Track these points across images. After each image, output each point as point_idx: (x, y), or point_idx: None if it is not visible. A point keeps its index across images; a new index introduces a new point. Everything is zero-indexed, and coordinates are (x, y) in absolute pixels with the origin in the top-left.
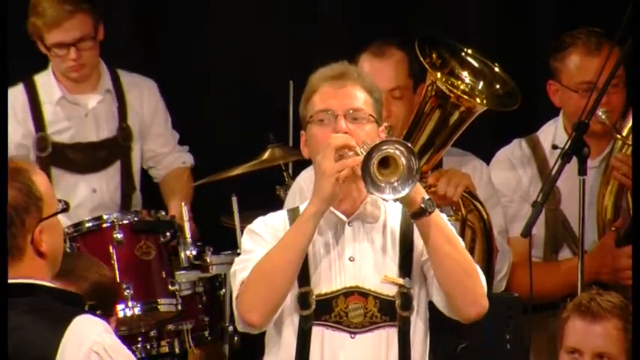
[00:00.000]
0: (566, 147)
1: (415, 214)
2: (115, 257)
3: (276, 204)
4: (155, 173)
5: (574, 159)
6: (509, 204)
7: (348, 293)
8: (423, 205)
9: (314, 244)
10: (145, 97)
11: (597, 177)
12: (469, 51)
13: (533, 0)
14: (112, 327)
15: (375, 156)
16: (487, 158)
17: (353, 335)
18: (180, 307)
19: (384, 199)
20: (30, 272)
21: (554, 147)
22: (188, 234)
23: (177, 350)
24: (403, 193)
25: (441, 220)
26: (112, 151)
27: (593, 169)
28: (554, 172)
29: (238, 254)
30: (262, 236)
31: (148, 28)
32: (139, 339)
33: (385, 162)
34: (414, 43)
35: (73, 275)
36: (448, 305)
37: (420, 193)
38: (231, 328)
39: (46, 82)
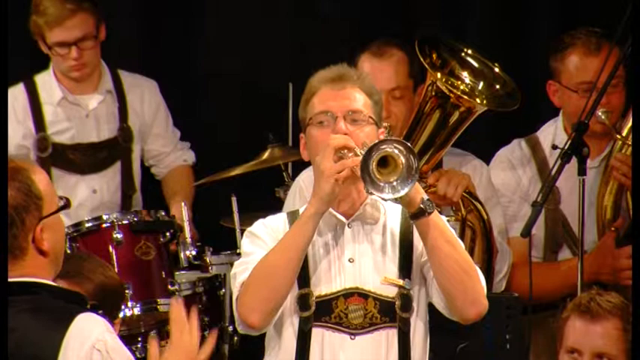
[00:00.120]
0: (566, 147)
1: (414, 215)
2: (114, 257)
3: (276, 204)
4: (157, 171)
5: (574, 159)
6: (508, 204)
7: (348, 294)
8: (422, 206)
9: (314, 245)
10: (145, 98)
11: (597, 177)
12: (469, 51)
13: (533, 0)
14: (117, 329)
15: (374, 155)
16: (487, 158)
17: (353, 336)
18: None
19: (383, 199)
20: (32, 271)
21: (554, 147)
22: (188, 234)
23: None
24: (402, 192)
25: (441, 220)
26: (112, 151)
27: (592, 169)
28: (553, 172)
29: (238, 254)
30: (262, 238)
31: (148, 28)
32: (139, 339)
33: (384, 162)
34: (414, 43)
35: (79, 276)
36: (448, 306)
37: (420, 194)
38: (231, 328)
39: (46, 82)
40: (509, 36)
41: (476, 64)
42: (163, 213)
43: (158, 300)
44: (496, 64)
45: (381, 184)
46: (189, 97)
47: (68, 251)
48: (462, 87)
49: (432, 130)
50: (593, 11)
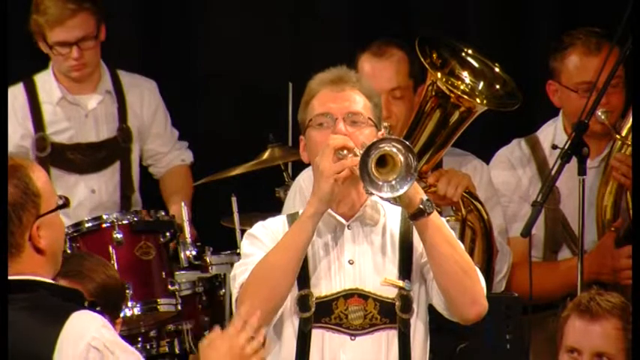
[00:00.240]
0: (566, 147)
1: (414, 215)
2: (114, 257)
3: (276, 204)
4: (155, 170)
5: (574, 159)
6: (508, 204)
7: (348, 295)
8: (421, 206)
9: (313, 246)
10: (145, 98)
11: (597, 177)
12: (469, 51)
13: (533, 0)
14: (118, 328)
15: (373, 154)
16: (487, 158)
17: (353, 337)
18: (180, 307)
19: (381, 198)
20: (29, 269)
21: (554, 147)
22: (188, 234)
23: (177, 350)
24: (401, 191)
25: (440, 221)
26: (111, 151)
27: (592, 169)
28: (553, 172)
29: (238, 254)
30: (262, 240)
31: (148, 28)
32: (139, 339)
33: (383, 161)
34: (414, 43)
35: (80, 275)
36: (448, 306)
37: (419, 194)
38: None
39: (46, 82)
40: (509, 36)
41: (476, 64)
42: (163, 213)
43: (158, 300)
44: (496, 64)
45: (380, 183)
46: (189, 97)
47: (68, 251)
48: (462, 87)
49: (432, 130)
50: (593, 11)
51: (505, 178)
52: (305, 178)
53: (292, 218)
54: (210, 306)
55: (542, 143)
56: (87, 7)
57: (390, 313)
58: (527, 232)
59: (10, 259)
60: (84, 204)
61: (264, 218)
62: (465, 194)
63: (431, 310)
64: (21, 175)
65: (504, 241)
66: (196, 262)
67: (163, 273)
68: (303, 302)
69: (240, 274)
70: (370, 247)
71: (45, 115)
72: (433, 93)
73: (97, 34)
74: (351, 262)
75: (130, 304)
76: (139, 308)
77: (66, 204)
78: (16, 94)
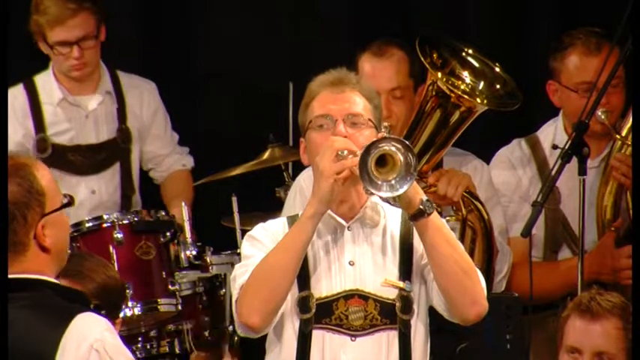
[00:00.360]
0: (566, 147)
1: (414, 216)
2: (115, 257)
3: (276, 204)
4: (155, 175)
5: (574, 159)
6: (508, 204)
7: (349, 296)
8: (421, 207)
9: (314, 247)
10: (144, 99)
11: (597, 177)
12: (470, 51)
13: (533, 0)
14: (118, 329)
15: (373, 153)
16: (487, 158)
17: (353, 338)
18: (180, 307)
19: (381, 197)
20: (34, 267)
21: (554, 147)
22: (188, 234)
23: (177, 350)
24: (401, 191)
25: (440, 221)
26: (111, 152)
27: (592, 169)
28: (554, 172)
29: (238, 254)
30: (262, 242)
31: (148, 28)
32: (139, 339)
33: (383, 161)
34: (414, 42)
35: (80, 275)
36: (448, 307)
37: (419, 195)
38: (231, 328)
39: (46, 82)
40: (509, 36)
41: (476, 64)
42: (163, 213)
43: (158, 300)
44: (496, 64)
45: (379, 183)
46: (189, 97)
47: (68, 251)
48: (462, 87)
49: (432, 130)
50: (593, 11)
51: (505, 178)
52: (305, 178)
53: (292, 220)
54: (211, 306)
55: (543, 143)
56: (87, 6)
57: (390, 314)
58: (527, 232)
59: (14, 258)
60: (84, 205)
61: (264, 218)
62: (465, 194)
63: (431, 310)
64: (25, 174)
65: (505, 241)
66: (196, 262)
67: (164, 273)
68: (303, 303)
69: (240, 275)
70: (370, 248)
71: (46, 116)
72: (433, 93)
73: (97, 33)
74: (351, 263)
75: (130, 304)
76: (139, 308)
77: (71, 202)
78: (17, 94)
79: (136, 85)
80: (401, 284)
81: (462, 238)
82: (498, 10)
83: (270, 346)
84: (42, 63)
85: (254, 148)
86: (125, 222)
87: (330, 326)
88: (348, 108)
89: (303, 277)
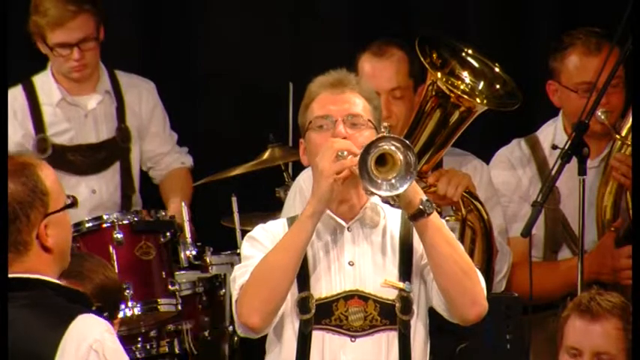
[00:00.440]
0: (566, 147)
1: (414, 216)
2: (115, 257)
3: (276, 204)
4: (154, 174)
5: (574, 159)
6: (508, 204)
7: (348, 297)
8: (421, 207)
9: (313, 248)
10: (143, 98)
11: (597, 177)
12: (469, 51)
13: (533, 0)
14: (116, 329)
15: (373, 152)
16: (487, 158)
17: (353, 339)
18: (180, 307)
19: (381, 196)
20: (36, 267)
21: (554, 147)
22: (188, 234)
23: (177, 350)
24: (401, 190)
25: (440, 221)
26: (111, 152)
27: (592, 169)
28: (553, 172)
29: (238, 254)
30: (262, 242)
31: (148, 28)
32: (139, 339)
33: (382, 160)
34: (414, 42)
35: (79, 276)
36: (448, 307)
37: (419, 195)
38: (231, 328)
39: (45, 83)
40: (509, 36)
41: (476, 64)
42: (163, 213)
43: (158, 300)
44: (496, 64)
45: (379, 182)
46: (189, 97)
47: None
48: (462, 87)
49: (432, 130)
50: (593, 11)
51: (505, 178)
52: (305, 178)
53: (292, 221)
54: (211, 306)
55: (542, 143)
56: (87, 8)
57: (390, 315)
58: (527, 232)
59: (17, 258)
60: (84, 204)
61: (264, 218)
62: (465, 194)
63: (431, 310)
64: (29, 173)
65: (504, 241)
66: (196, 262)
67: (163, 273)
68: (303, 304)
69: (240, 275)
70: (370, 249)
71: (45, 117)
72: (433, 93)
73: (97, 35)
74: (351, 264)
75: (130, 304)
76: (139, 308)
77: (74, 203)
78: (16, 95)
79: (135, 84)
80: (401, 285)
81: (461, 238)
82: (498, 10)
83: (270, 346)
84: (40, 63)
85: (254, 148)
86: (125, 222)
87: (329, 327)
88: (348, 109)
89: (303, 278)
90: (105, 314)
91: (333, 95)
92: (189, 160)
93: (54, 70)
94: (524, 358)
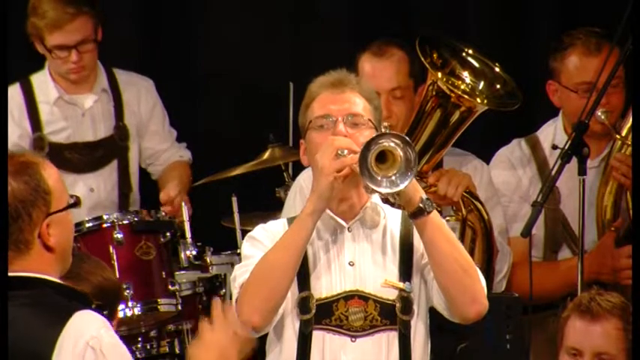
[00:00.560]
0: (566, 147)
1: (414, 214)
2: (115, 257)
3: (276, 204)
4: (153, 170)
5: (574, 159)
6: (508, 204)
7: (349, 297)
8: (421, 205)
9: (313, 247)
10: (142, 96)
11: (597, 177)
12: (470, 51)
13: (533, 0)
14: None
15: (373, 149)
16: (487, 158)
17: (353, 339)
18: (180, 307)
19: (381, 193)
20: (37, 266)
21: (554, 147)
22: (188, 234)
23: (177, 350)
24: (402, 186)
25: (440, 220)
26: (109, 150)
27: (592, 169)
28: (554, 172)
29: (238, 254)
30: (262, 242)
31: (148, 28)
32: (139, 339)
33: (383, 157)
34: (414, 42)
35: (77, 277)
36: (448, 306)
37: (419, 193)
38: None
39: (42, 82)
40: (509, 36)
41: (476, 64)
42: (164, 213)
43: (158, 300)
44: (496, 64)
45: (379, 179)
46: (189, 97)
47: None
48: (462, 86)
49: (432, 130)
50: (593, 11)
51: (505, 178)
52: (305, 178)
53: (292, 221)
54: (211, 306)
55: (543, 143)
56: (85, 10)
57: (390, 315)
58: (527, 232)
59: (18, 256)
60: (83, 203)
61: (264, 218)
62: (465, 194)
63: (431, 310)
64: (32, 172)
65: (505, 241)
66: (197, 262)
67: (164, 273)
68: (303, 304)
69: (240, 275)
70: (370, 249)
71: (42, 115)
72: (434, 93)
73: (95, 37)
74: (351, 264)
75: (130, 304)
76: (139, 308)
77: (77, 203)
78: (13, 94)
79: (133, 82)
80: (401, 285)
81: (461, 238)
82: (498, 10)
83: (271, 346)
84: (39, 63)
85: (254, 148)
86: (125, 222)
87: (330, 327)
88: (348, 108)
89: (303, 278)
90: (105, 312)
91: (334, 95)
92: (187, 154)
93: (51, 69)
94: (524, 358)
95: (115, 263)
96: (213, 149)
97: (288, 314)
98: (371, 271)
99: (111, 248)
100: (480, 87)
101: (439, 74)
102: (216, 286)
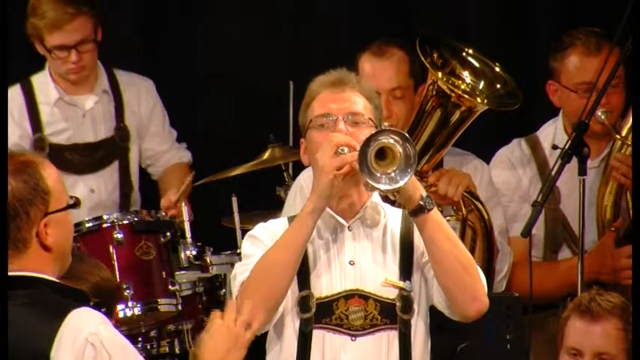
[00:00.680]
0: (566, 147)
1: (414, 212)
2: (115, 257)
3: (276, 204)
4: (153, 170)
5: (574, 159)
6: (509, 204)
7: (349, 296)
8: (421, 203)
9: (314, 246)
10: (142, 97)
11: (597, 177)
12: (470, 51)
13: (533, 0)
14: None
15: (372, 145)
16: (487, 158)
17: (354, 338)
18: (180, 307)
19: (381, 190)
20: (35, 266)
21: (554, 147)
22: (188, 234)
23: (177, 350)
24: (401, 183)
25: (440, 217)
26: (109, 151)
27: (592, 169)
28: (554, 172)
29: (238, 254)
30: (262, 240)
31: (148, 28)
32: (139, 339)
33: (382, 154)
34: (414, 42)
35: (75, 277)
36: (448, 304)
37: (419, 190)
38: None
39: (42, 82)
40: (509, 36)
41: (477, 64)
42: (164, 213)
43: (159, 300)
44: (497, 64)
45: (379, 175)
46: (189, 97)
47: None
48: (462, 86)
49: (432, 130)
50: (593, 11)
51: (505, 178)
52: (305, 177)
53: (293, 220)
54: (211, 306)
55: (543, 143)
56: (85, 10)
57: (390, 314)
58: (527, 232)
59: (16, 255)
60: (83, 204)
61: (264, 218)
62: (465, 194)
63: (431, 309)
64: (32, 172)
65: (505, 240)
66: (197, 262)
67: (164, 273)
68: (303, 303)
69: (240, 273)
70: (371, 248)
71: (42, 116)
72: (434, 92)
73: (94, 37)
74: (351, 263)
75: (130, 304)
76: (139, 308)
77: (77, 204)
78: (14, 95)
79: (134, 83)
80: (401, 284)
81: (462, 238)
82: (498, 10)
83: (271, 344)
84: (39, 64)
85: (254, 148)
86: (125, 222)
87: (330, 326)
88: (349, 107)
89: (304, 277)
90: (103, 309)
91: (334, 94)
92: (187, 156)
93: (51, 70)
94: (524, 359)
95: (115, 263)
96: (213, 149)
97: (289, 313)
98: (371, 270)
99: (111, 248)
100: (480, 87)
101: (439, 74)
102: (216, 286)
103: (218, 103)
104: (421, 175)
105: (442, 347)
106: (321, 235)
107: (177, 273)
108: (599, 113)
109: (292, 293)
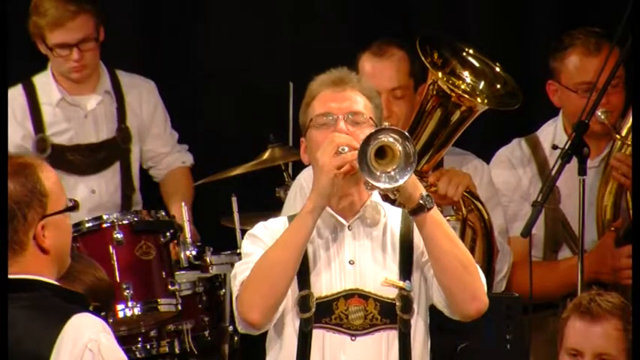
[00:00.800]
0: (566, 147)
1: (414, 211)
2: (114, 257)
3: (276, 204)
4: (155, 173)
5: (574, 159)
6: (509, 204)
7: (349, 296)
8: (421, 202)
9: (314, 246)
10: (144, 98)
11: (597, 177)
12: (470, 50)
13: (533, 0)
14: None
15: (372, 144)
16: (487, 158)
17: (353, 337)
18: (180, 307)
19: (380, 189)
20: (32, 268)
21: (554, 147)
22: (188, 234)
23: (177, 350)
24: (401, 181)
25: (440, 216)
26: (111, 152)
27: (592, 169)
28: (554, 172)
29: (238, 254)
30: (263, 239)
31: (148, 28)
32: (139, 339)
33: (382, 153)
34: (414, 42)
35: (69, 277)
36: (448, 303)
37: (419, 190)
38: (231, 328)
39: (45, 83)
40: (509, 36)
41: (477, 64)
42: (164, 213)
43: (158, 300)
44: (497, 64)
45: (379, 174)
46: (189, 97)
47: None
48: (463, 86)
49: (433, 130)
50: (593, 11)
51: (505, 178)
52: (306, 177)
53: (293, 219)
54: (211, 306)
55: (543, 143)
56: (87, 8)
57: (390, 314)
58: (527, 232)
59: (13, 257)
60: (84, 204)
61: (264, 218)
62: (465, 194)
63: (431, 309)
64: (29, 174)
65: (505, 240)
66: (196, 262)
67: (163, 273)
68: (303, 303)
69: (240, 272)
70: (371, 247)
71: (45, 117)
72: (434, 92)
73: (96, 35)
74: (351, 262)
75: (130, 304)
76: (139, 308)
77: (75, 207)
78: (16, 95)
79: (136, 85)
80: (401, 284)
81: (462, 238)
82: (498, 10)
83: (271, 344)
84: (41, 63)
85: (254, 148)
86: (125, 222)
87: (330, 326)
88: (349, 106)
89: (304, 276)
90: (102, 314)
91: (334, 93)
92: (189, 159)
93: (54, 70)
94: (524, 358)
95: (115, 263)
96: (213, 149)
97: (288, 312)
98: (371, 270)
99: (111, 248)
100: (481, 87)
101: (439, 74)
102: (216, 286)
103: (218, 103)
104: (421, 175)
105: (442, 347)
106: (321, 234)
107: (177, 273)
108: (599, 113)
109: (292, 293)
